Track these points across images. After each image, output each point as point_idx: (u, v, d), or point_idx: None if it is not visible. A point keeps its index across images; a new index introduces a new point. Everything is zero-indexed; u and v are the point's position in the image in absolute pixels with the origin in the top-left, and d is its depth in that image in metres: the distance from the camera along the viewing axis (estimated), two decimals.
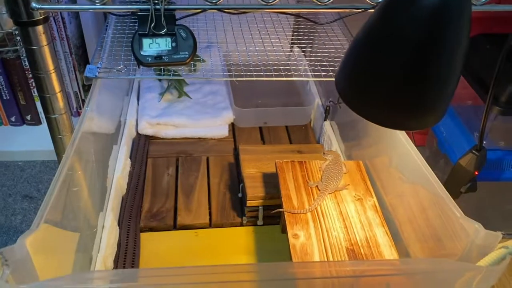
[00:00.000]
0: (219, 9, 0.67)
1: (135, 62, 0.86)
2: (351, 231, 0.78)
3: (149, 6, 0.64)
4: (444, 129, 1.03)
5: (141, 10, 0.65)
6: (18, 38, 1.23)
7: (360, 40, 0.52)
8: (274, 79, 0.82)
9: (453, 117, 1.02)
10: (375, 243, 0.77)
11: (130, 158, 1.14)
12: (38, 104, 1.39)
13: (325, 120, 1.22)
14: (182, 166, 1.15)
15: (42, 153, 1.35)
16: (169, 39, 0.66)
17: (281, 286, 0.51)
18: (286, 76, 0.85)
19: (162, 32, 0.66)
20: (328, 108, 1.20)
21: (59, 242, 0.68)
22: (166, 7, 0.65)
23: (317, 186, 0.86)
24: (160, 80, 1.36)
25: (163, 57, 0.66)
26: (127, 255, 0.91)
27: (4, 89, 1.34)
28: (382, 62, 0.50)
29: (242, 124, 1.28)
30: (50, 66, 0.70)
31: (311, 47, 0.98)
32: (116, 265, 0.89)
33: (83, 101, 1.44)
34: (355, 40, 0.52)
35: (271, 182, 0.98)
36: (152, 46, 0.66)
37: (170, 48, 0.66)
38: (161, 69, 0.79)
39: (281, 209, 0.82)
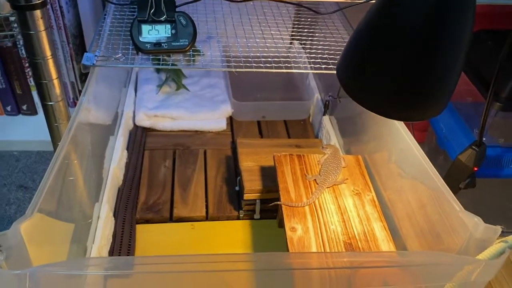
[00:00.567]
0: None
1: (134, 51, 0.85)
2: (349, 225, 0.78)
3: None
4: (443, 125, 1.03)
5: None
6: (15, 25, 1.22)
7: (361, 30, 0.51)
8: (274, 70, 0.81)
9: (453, 113, 1.02)
10: (372, 237, 0.76)
11: (127, 149, 1.13)
12: (35, 93, 1.38)
13: (324, 114, 1.21)
14: (179, 159, 1.14)
15: (38, 143, 1.34)
16: (168, 26, 0.65)
17: (277, 276, 0.50)
18: (286, 68, 0.84)
19: (162, 18, 0.65)
20: (327, 102, 1.19)
21: (54, 231, 0.67)
22: None
23: (315, 179, 0.85)
24: (158, 72, 1.35)
25: (162, 44, 0.65)
26: (122, 247, 0.90)
27: (0, 78, 1.33)
28: (383, 51, 0.49)
29: (240, 117, 1.28)
30: (47, 52, 0.69)
31: (311, 40, 0.97)
32: (111, 256, 0.88)
33: (80, 91, 1.42)
34: (357, 29, 0.52)
35: (269, 175, 0.97)
36: (152, 33, 0.65)
37: (170, 35, 0.65)
38: (159, 58, 0.78)
39: (278, 202, 0.81)
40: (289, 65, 0.85)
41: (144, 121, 1.21)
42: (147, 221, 0.98)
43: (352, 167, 0.90)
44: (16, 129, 1.38)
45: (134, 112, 1.23)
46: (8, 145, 1.35)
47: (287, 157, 0.90)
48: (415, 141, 0.75)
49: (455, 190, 0.84)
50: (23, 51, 1.29)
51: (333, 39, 0.95)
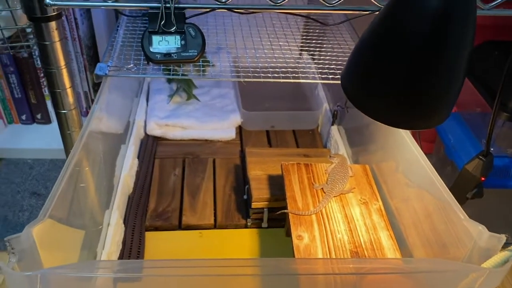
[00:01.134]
0: (228, 9, 0.67)
1: (145, 62, 0.88)
2: (356, 234, 0.78)
3: (160, 4, 0.65)
4: (451, 136, 1.03)
5: (151, 8, 0.66)
6: (31, 36, 1.25)
7: (365, 39, 0.52)
8: (281, 80, 0.83)
9: (461, 123, 1.02)
10: (379, 246, 0.76)
11: (138, 158, 1.15)
12: (49, 103, 1.41)
13: (332, 124, 1.22)
14: (189, 167, 1.15)
15: (51, 151, 1.37)
16: (178, 37, 0.67)
17: (283, 281, 0.51)
18: (294, 78, 0.85)
19: (172, 30, 0.67)
20: (335, 112, 1.20)
21: (65, 236, 0.68)
22: (176, 5, 0.66)
23: (322, 188, 0.86)
24: (169, 82, 1.37)
25: (172, 55, 0.67)
26: (131, 253, 0.92)
27: (16, 87, 1.36)
28: (386, 60, 0.50)
29: (249, 127, 1.29)
30: (62, 61, 0.72)
31: (319, 51, 0.98)
32: None
33: (93, 101, 1.45)
34: (361, 38, 0.53)
35: (277, 184, 0.98)
36: (162, 44, 0.67)
37: (179, 46, 0.67)
38: (170, 69, 0.80)
39: (285, 210, 0.82)
40: (296, 75, 0.87)
41: (155, 130, 1.23)
42: (156, 229, 0.99)
43: (359, 176, 0.91)
44: (30, 137, 1.41)
45: (145, 121, 1.25)
46: (23, 153, 1.38)
47: (294, 166, 0.91)
48: (421, 151, 0.76)
49: (462, 200, 0.84)
50: (39, 62, 1.33)
51: (341, 49, 0.97)
